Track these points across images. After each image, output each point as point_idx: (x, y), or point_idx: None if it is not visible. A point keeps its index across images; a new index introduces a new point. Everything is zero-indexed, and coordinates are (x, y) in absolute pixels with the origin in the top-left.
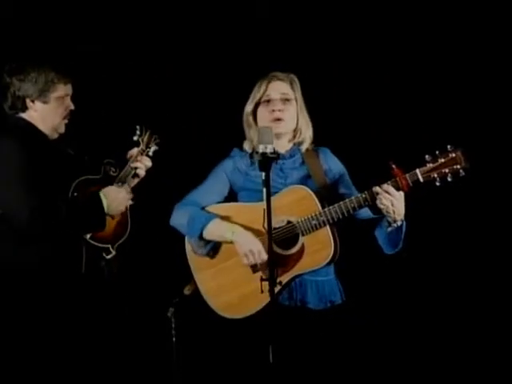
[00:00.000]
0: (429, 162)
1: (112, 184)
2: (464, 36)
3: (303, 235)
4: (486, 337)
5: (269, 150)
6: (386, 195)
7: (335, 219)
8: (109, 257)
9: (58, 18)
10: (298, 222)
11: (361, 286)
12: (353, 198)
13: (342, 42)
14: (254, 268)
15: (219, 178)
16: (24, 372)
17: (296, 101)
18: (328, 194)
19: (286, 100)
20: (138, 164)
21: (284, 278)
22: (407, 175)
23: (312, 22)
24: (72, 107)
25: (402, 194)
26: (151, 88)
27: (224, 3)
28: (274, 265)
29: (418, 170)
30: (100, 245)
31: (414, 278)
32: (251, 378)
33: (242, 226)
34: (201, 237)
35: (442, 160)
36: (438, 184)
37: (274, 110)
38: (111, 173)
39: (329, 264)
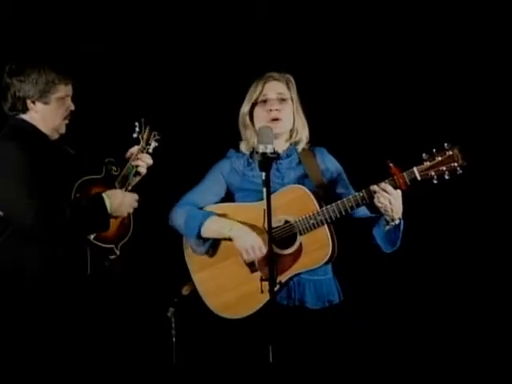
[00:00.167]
0: (426, 160)
1: (114, 183)
2: (460, 33)
3: (301, 234)
4: (485, 336)
5: (269, 150)
6: (384, 193)
7: (333, 218)
8: (113, 257)
9: (58, 18)
10: (296, 222)
11: (359, 285)
12: (350, 196)
13: (339, 42)
14: (252, 268)
15: (216, 179)
16: (29, 372)
17: (292, 101)
18: (325, 193)
19: (282, 100)
20: (138, 162)
21: (282, 278)
22: (405, 173)
23: (310, 23)
24: (72, 108)
25: (399, 192)
26: (151, 88)
27: (224, 3)
28: (273, 265)
29: (415, 168)
30: (104, 245)
31: (412, 277)
32: (251, 378)
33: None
34: (199, 235)
35: (439, 158)
36: (435, 182)
37: (271, 110)
38: (113, 172)
39: (327, 263)
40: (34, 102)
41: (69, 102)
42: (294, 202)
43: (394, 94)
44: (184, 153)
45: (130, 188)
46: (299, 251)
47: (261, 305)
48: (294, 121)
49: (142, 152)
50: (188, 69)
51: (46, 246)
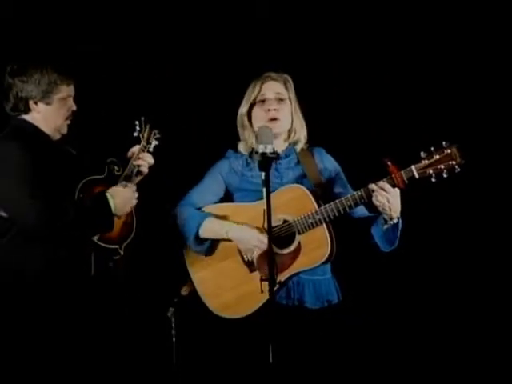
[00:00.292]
0: (424, 159)
1: (116, 183)
2: (456, 31)
3: (300, 234)
4: (484, 335)
5: (268, 150)
6: (382, 192)
7: (331, 217)
8: (117, 257)
9: (58, 18)
10: (295, 221)
11: (358, 285)
12: (349, 195)
13: (338, 42)
14: (251, 267)
15: (215, 179)
16: (30, 371)
17: (290, 100)
18: (324, 193)
19: (280, 100)
20: (140, 161)
21: (281, 277)
22: (403, 172)
23: (310, 23)
24: (74, 108)
25: (397, 190)
26: (151, 88)
27: (224, 3)
28: (273, 265)
29: (413, 167)
30: (108, 246)
31: (411, 277)
32: (251, 378)
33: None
34: (197, 236)
35: (437, 156)
36: (433, 180)
37: (269, 110)
38: (115, 172)
39: (325, 262)
40: (36, 103)
41: (71, 102)
42: (292, 201)
43: (392, 94)
44: (183, 153)
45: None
46: (298, 250)
47: (260, 304)
48: (292, 121)
49: (143, 151)
50: (188, 69)
51: (50, 247)
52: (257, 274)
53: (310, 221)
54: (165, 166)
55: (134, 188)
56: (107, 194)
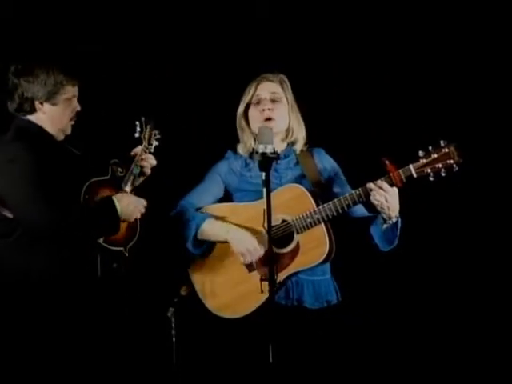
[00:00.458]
0: (422, 158)
1: (120, 184)
2: (453, 31)
3: (298, 233)
4: (483, 334)
5: (269, 150)
6: (380, 191)
7: (330, 217)
8: (122, 259)
9: (58, 18)
10: (293, 221)
11: (357, 285)
12: (347, 194)
13: (337, 42)
14: (250, 267)
15: (214, 180)
16: (31, 371)
17: (287, 100)
18: (323, 193)
19: (275, 99)
20: (143, 163)
21: (280, 277)
22: (400, 171)
23: (310, 23)
24: (78, 108)
25: (395, 189)
26: (150, 88)
27: (224, 4)
28: (273, 264)
29: (411, 166)
30: (113, 248)
31: (411, 277)
32: (251, 378)
33: (238, 225)
34: (196, 237)
35: (435, 155)
36: (431, 179)
37: (264, 110)
38: (118, 173)
39: (324, 262)
40: (42, 103)
41: (75, 102)
42: (291, 201)
43: (390, 93)
44: (184, 154)
45: (133, 188)
46: (296, 250)
47: (259, 304)
48: (289, 121)
49: (145, 152)
50: (189, 69)
51: (56, 248)
52: (255, 274)
53: (308, 220)
54: (165, 167)
55: (145, 203)
56: (114, 198)
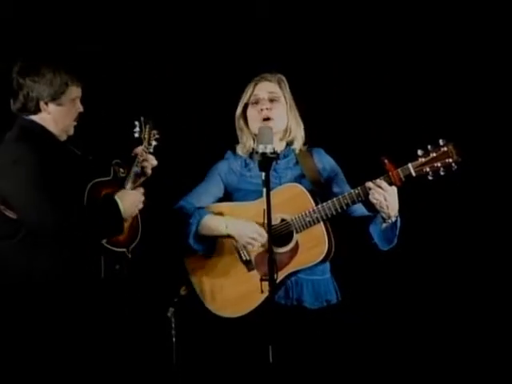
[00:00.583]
0: (421, 157)
1: (122, 185)
2: (452, 30)
3: (297, 232)
4: (483, 334)
5: (268, 149)
6: (379, 190)
7: (329, 216)
8: (125, 261)
9: (58, 17)
10: (292, 220)
11: (356, 285)
12: (346, 194)
13: (335, 41)
14: (249, 266)
15: (214, 180)
16: (32, 370)
17: (285, 99)
18: (322, 192)
19: (273, 99)
20: (144, 163)
21: (279, 276)
22: (399, 170)
23: (310, 23)
24: (81, 109)
25: (394, 188)
26: (150, 88)
27: (224, 4)
28: (273, 264)
29: (410, 165)
30: (116, 249)
31: (410, 276)
32: (251, 378)
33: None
34: (196, 233)
35: (434, 154)
36: (430, 178)
37: (262, 110)
38: (120, 174)
39: (324, 261)
40: (47, 103)
41: (78, 103)
42: (290, 200)
43: (389, 93)
44: (183, 153)
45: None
46: (295, 249)
47: (258, 303)
48: (287, 120)
49: (146, 152)
50: (189, 69)
51: (60, 249)
52: (255, 273)
53: (307, 219)
54: (165, 167)
55: (142, 191)
56: (116, 198)
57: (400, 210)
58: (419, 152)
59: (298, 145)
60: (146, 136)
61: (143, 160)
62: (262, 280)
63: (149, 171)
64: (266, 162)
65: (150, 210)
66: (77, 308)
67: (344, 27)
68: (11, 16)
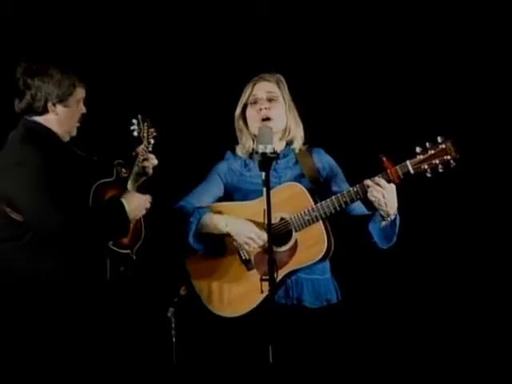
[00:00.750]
0: (419, 154)
1: (125, 185)
2: (449, 27)
3: (296, 231)
4: (483, 333)
5: (268, 150)
6: (377, 187)
7: (328, 214)
8: (129, 262)
9: (58, 17)
10: (291, 219)
11: (356, 284)
12: (344, 192)
13: (334, 41)
14: (249, 266)
15: (214, 181)
16: (34, 370)
17: (283, 99)
18: (322, 191)
19: (272, 98)
20: (145, 163)
21: (279, 275)
22: (397, 167)
23: (309, 23)
24: (84, 110)
25: (393, 186)
26: (150, 88)
27: (224, 3)
28: (273, 264)
29: (408, 162)
30: (121, 251)
31: (410, 275)
32: (251, 378)
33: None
34: (196, 232)
35: (432, 151)
36: (429, 175)
37: (261, 109)
38: (122, 174)
39: (323, 259)
40: (54, 104)
41: (82, 104)
42: (289, 199)
43: (387, 91)
44: (183, 154)
45: (135, 188)
46: (295, 248)
47: (258, 303)
48: (286, 120)
49: (146, 151)
50: (189, 69)
51: (65, 252)
52: (254, 273)
53: (306, 218)
54: (165, 167)
55: (149, 197)
56: (122, 200)
57: (399, 208)
58: (417, 149)
59: (297, 144)
60: (145, 134)
61: (144, 159)
62: (262, 280)
63: (150, 171)
64: (266, 162)
65: (150, 211)
66: (82, 310)
67: (342, 27)
68: (11, 16)
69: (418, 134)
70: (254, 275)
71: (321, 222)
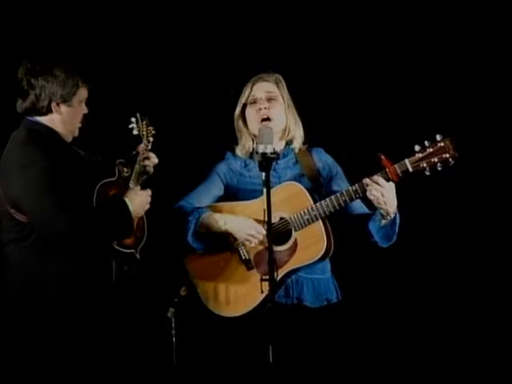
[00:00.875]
0: (418, 152)
1: (127, 184)
2: (447, 27)
3: (296, 230)
4: (483, 332)
5: (269, 150)
6: (376, 186)
7: (327, 213)
8: (133, 262)
9: (58, 17)
10: (291, 218)
11: (357, 284)
12: (343, 190)
13: (333, 40)
14: (249, 265)
15: (213, 181)
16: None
17: (283, 99)
18: (321, 191)
19: (271, 98)
20: (146, 162)
21: (279, 274)
22: (396, 165)
23: (308, 22)
24: (86, 111)
25: (392, 185)
26: (149, 88)
27: (224, 2)
28: (273, 264)
29: (407, 160)
30: (126, 251)
31: (410, 275)
32: (251, 378)
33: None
34: (196, 231)
35: (431, 149)
36: (427, 173)
37: (260, 109)
38: (124, 173)
39: (322, 259)
40: (58, 104)
41: (84, 104)
42: (289, 198)
43: (386, 90)
44: (183, 154)
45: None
46: (294, 247)
47: (258, 302)
48: (286, 119)
49: (147, 150)
50: (189, 69)
51: (71, 253)
52: (254, 272)
53: (305, 217)
54: (165, 167)
55: (149, 192)
56: (126, 199)
57: (399, 207)
58: (416, 147)
59: (297, 144)
60: (144, 133)
61: (145, 158)
62: (262, 280)
63: (151, 169)
64: (267, 162)
65: (150, 211)
66: (87, 311)
67: (341, 26)
68: (11, 16)
69: (417, 132)
70: (254, 275)
71: (320, 221)
